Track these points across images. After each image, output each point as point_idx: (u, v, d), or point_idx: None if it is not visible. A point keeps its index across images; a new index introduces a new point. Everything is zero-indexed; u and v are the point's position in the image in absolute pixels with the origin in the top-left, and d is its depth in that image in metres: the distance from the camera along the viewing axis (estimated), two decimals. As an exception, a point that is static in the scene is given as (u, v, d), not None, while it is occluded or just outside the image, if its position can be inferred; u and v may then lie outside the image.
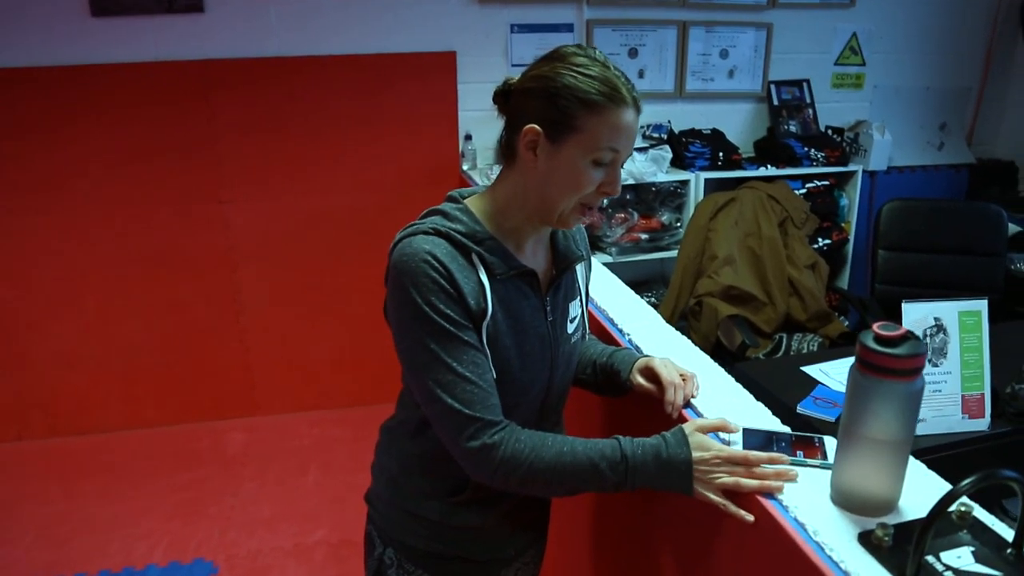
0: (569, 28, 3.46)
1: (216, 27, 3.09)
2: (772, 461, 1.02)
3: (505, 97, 1.13)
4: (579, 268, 1.27)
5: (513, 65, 3.44)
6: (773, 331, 3.06)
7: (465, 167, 3.43)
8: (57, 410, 3.39)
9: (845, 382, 2.02)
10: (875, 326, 0.89)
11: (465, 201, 1.15)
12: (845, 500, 0.94)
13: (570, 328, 1.23)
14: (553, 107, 1.04)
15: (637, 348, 1.42)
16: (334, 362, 3.61)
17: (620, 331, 1.51)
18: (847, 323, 3.37)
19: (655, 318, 1.59)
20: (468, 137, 3.43)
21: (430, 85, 3.36)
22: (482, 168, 3.44)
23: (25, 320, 3.26)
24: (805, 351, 2.92)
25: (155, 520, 2.81)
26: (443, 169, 3.44)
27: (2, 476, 3.11)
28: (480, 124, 3.45)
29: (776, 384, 2.02)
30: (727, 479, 1.00)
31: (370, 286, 3.45)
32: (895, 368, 0.86)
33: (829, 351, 2.80)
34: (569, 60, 1.07)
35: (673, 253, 3.38)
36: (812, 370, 2.10)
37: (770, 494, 0.97)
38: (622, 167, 1.11)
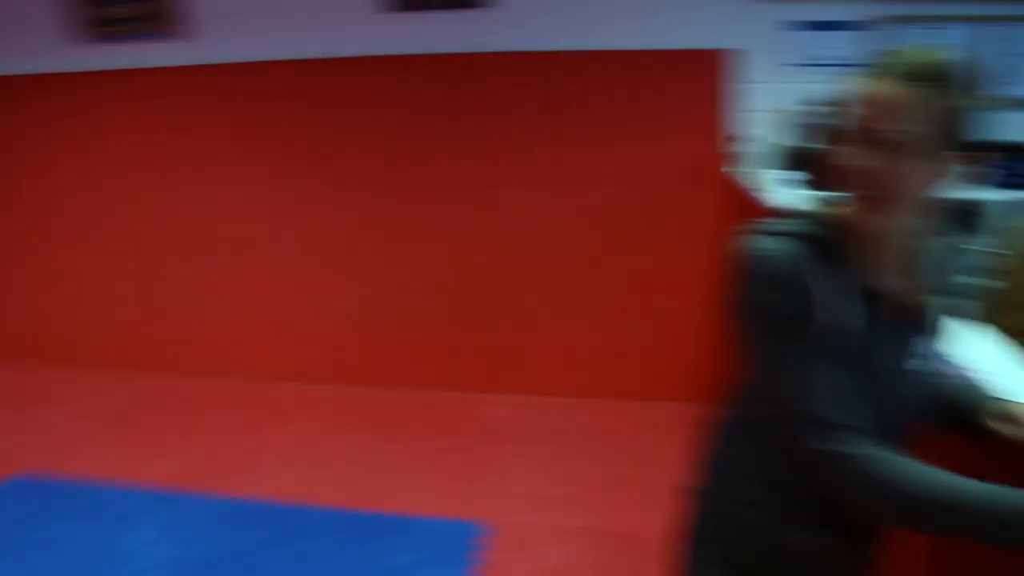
0: (859, 25, 3.25)
1: (502, 22, 3.35)
2: None
3: None
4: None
5: (797, 65, 3.30)
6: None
7: (737, 169, 3.36)
8: (347, 364, 3.88)
9: None
10: None
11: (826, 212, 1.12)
12: None
13: (922, 365, 1.15)
14: None
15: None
16: (611, 352, 3.71)
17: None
18: None
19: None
20: (740, 137, 3.35)
21: (700, 83, 3.35)
22: (758, 172, 3.34)
23: (317, 286, 3.79)
24: None
25: (420, 477, 3.08)
26: (708, 169, 3.41)
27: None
28: (756, 126, 3.36)
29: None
30: None
31: (650, 280, 3.54)
32: None
33: None
34: None
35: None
36: None
37: None
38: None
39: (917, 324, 1.14)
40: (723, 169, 3.39)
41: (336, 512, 2.83)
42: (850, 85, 1.05)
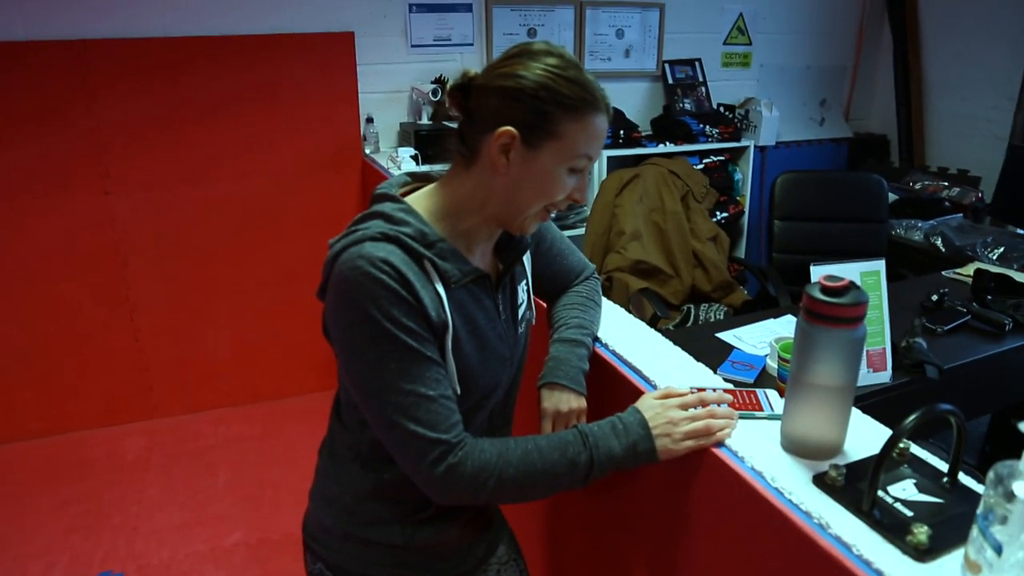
0: (468, 8, 3.43)
1: (92, 5, 2.88)
2: (723, 401, 1.06)
3: (464, 93, 1.03)
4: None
5: (413, 46, 3.38)
6: (681, 303, 3.15)
7: (368, 151, 3.34)
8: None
9: (758, 345, 2.11)
10: (820, 278, 0.92)
11: (408, 200, 1.06)
12: (796, 446, 0.97)
13: (520, 312, 1.19)
14: (531, 110, 0.97)
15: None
16: (235, 358, 3.45)
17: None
18: (747, 292, 3.52)
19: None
20: (370, 120, 3.35)
21: (328, 66, 3.24)
22: (385, 151, 3.37)
23: None
24: (712, 319, 3.02)
25: (50, 536, 2.61)
26: (345, 153, 3.33)
27: None
28: (381, 106, 3.38)
29: (693, 351, 2.06)
30: (694, 425, 1.02)
31: (270, 275, 3.37)
32: (841, 316, 0.89)
33: (735, 319, 2.91)
34: (542, 59, 0.99)
35: (580, 231, 3.43)
36: (726, 336, 2.18)
37: (722, 444, 1.00)
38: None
39: (514, 283, 1.17)
40: (360, 151, 3.34)
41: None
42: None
